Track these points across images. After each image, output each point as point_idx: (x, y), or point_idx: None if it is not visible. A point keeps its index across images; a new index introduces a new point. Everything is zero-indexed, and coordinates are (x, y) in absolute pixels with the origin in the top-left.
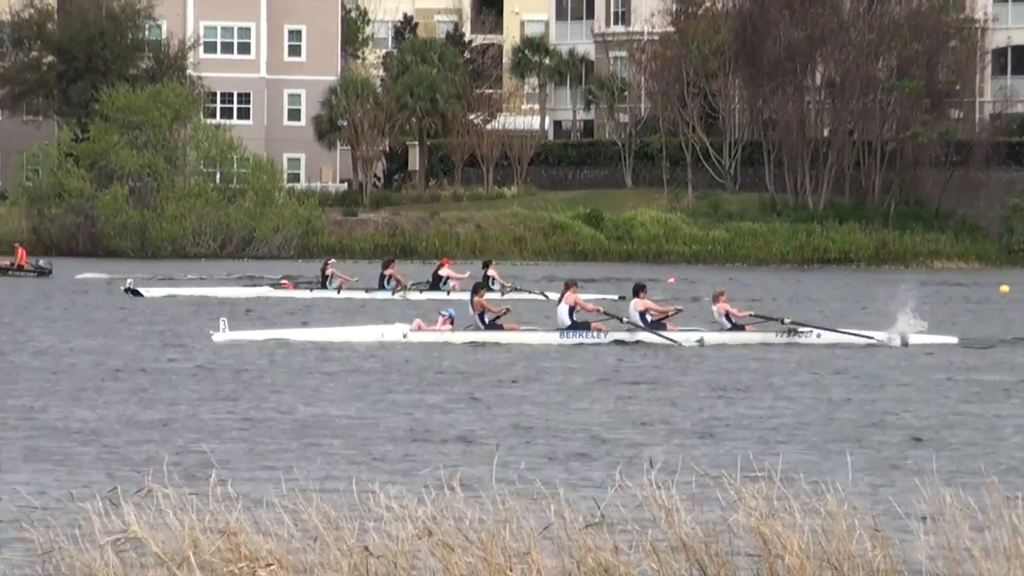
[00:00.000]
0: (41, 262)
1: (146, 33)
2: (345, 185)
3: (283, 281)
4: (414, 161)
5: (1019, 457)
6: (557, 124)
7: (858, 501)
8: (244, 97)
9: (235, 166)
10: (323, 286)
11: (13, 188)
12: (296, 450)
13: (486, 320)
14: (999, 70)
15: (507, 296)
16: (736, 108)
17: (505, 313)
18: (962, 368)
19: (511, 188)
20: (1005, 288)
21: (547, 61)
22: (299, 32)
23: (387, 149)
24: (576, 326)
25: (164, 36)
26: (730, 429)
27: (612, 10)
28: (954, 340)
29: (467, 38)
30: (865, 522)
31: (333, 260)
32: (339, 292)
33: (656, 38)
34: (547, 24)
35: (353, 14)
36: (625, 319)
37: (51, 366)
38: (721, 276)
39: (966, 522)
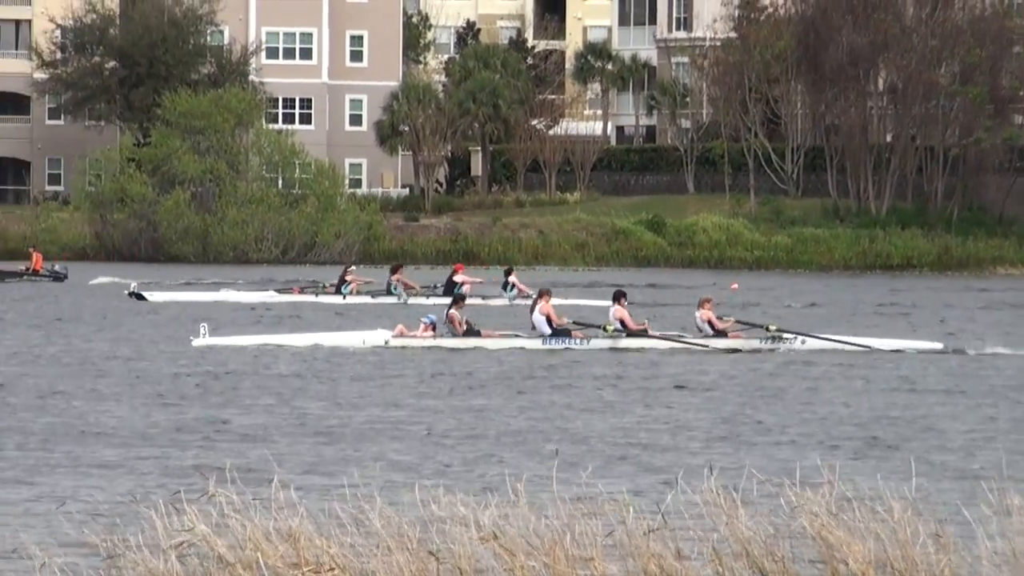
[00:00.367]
0: (56, 267)
1: (208, 39)
2: (407, 190)
3: (293, 288)
4: (476, 166)
5: None
6: (619, 130)
7: (921, 507)
8: (306, 103)
9: (297, 171)
10: (338, 291)
11: (76, 193)
12: (354, 455)
13: (461, 331)
14: None
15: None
16: (798, 113)
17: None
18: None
19: (573, 194)
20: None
21: (609, 67)
22: (361, 38)
23: (449, 154)
24: (557, 333)
25: (226, 42)
26: (781, 435)
27: (674, 16)
28: (939, 345)
29: (530, 44)
30: (928, 528)
31: (354, 267)
32: (344, 298)
33: (718, 44)
34: (610, 30)
35: (415, 20)
36: (609, 327)
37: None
38: (783, 281)
39: None
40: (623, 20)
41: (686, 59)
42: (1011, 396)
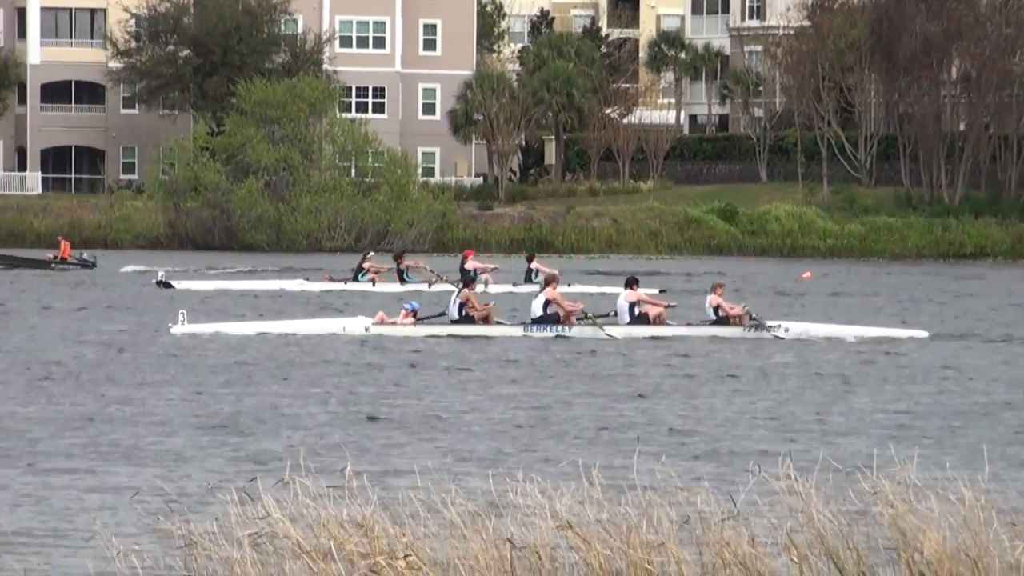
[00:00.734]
0: (84, 255)
1: (282, 27)
2: (480, 179)
3: (324, 276)
4: (550, 155)
5: None
6: (692, 118)
7: (994, 494)
8: (379, 91)
9: (370, 160)
10: (355, 278)
11: (149, 182)
12: (422, 443)
13: (464, 313)
14: None
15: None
16: (872, 102)
17: (490, 312)
18: None
19: (647, 182)
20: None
21: (683, 55)
22: (434, 26)
23: (523, 143)
24: (544, 319)
25: (300, 31)
26: (853, 423)
27: (748, 4)
28: (924, 334)
29: (603, 32)
30: (1002, 515)
31: (372, 254)
32: (374, 284)
33: (792, 32)
34: (683, 18)
35: (488, 8)
36: (611, 314)
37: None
38: (857, 269)
39: None
40: (696, 9)
41: (759, 48)
42: None
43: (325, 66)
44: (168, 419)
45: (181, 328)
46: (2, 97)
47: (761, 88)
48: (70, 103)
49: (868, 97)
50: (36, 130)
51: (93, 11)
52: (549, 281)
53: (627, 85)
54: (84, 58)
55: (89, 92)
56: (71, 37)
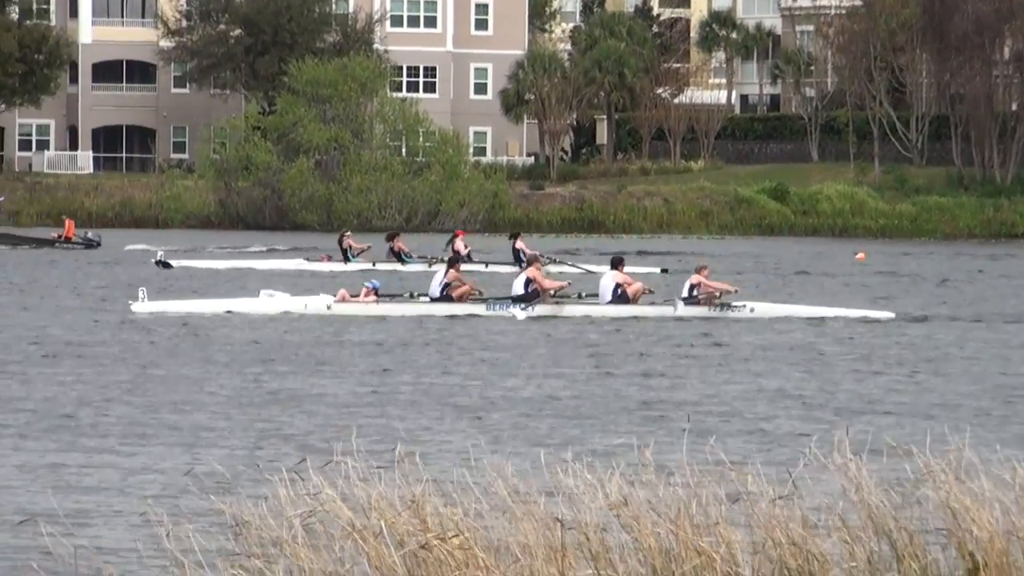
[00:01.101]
0: (89, 234)
1: (333, 7)
2: (532, 159)
3: (322, 256)
4: (601, 135)
5: None
6: (744, 98)
7: None
8: (430, 71)
9: (421, 140)
10: (345, 259)
11: (201, 161)
12: (474, 423)
13: (444, 292)
14: None
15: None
16: (923, 82)
17: (473, 291)
18: None
19: (698, 162)
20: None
21: (734, 35)
22: (486, 6)
23: (574, 123)
24: (520, 299)
25: (351, 10)
26: (903, 403)
27: None
28: (890, 315)
29: (655, 12)
30: None
31: (349, 232)
32: (377, 263)
33: (843, 12)
34: None
35: None
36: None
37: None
38: (908, 249)
39: None
40: None
41: (811, 27)
42: None
43: (376, 45)
44: (208, 400)
45: (141, 306)
46: (54, 76)
47: (812, 68)
48: (121, 82)
49: (920, 77)
50: (88, 109)
51: None
52: (531, 261)
53: (678, 65)
54: (135, 37)
55: (140, 71)
56: (122, 16)
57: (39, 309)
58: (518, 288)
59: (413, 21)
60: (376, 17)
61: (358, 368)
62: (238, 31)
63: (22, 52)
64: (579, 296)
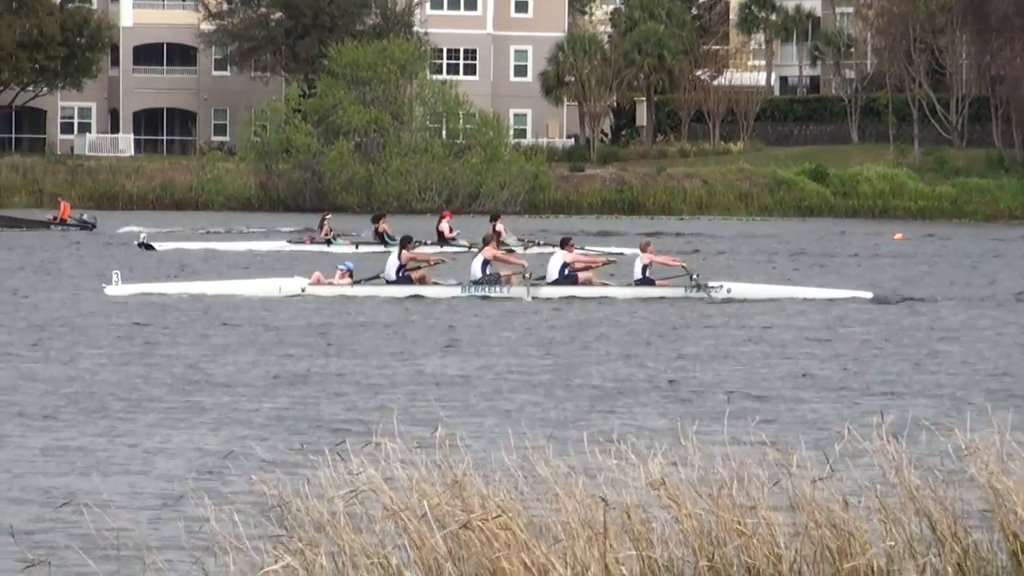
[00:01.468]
0: (84, 216)
1: None
2: (572, 141)
3: (304, 238)
4: (641, 117)
5: None
6: (783, 80)
7: None
8: (470, 53)
9: (461, 122)
10: (329, 243)
11: (241, 144)
12: (512, 403)
13: (402, 274)
14: None
15: (529, 251)
16: (963, 64)
17: (436, 264)
18: None
19: (737, 144)
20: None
21: (773, 17)
22: None
23: (614, 105)
24: (484, 280)
25: None
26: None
27: None
28: (868, 295)
29: None
30: None
31: (329, 216)
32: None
33: None
34: None
35: None
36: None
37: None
38: (947, 231)
39: None
40: None
41: (851, 9)
42: None
43: (416, 28)
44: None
45: (115, 289)
46: (95, 60)
47: (852, 50)
48: (162, 65)
49: (960, 59)
50: (128, 92)
51: None
52: (487, 241)
53: (718, 47)
54: (176, 20)
55: (181, 54)
56: None
57: (58, 289)
58: (475, 269)
59: (453, 3)
60: (416, 0)
61: (384, 350)
62: (279, 14)
63: (64, 35)
64: (525, 278)
